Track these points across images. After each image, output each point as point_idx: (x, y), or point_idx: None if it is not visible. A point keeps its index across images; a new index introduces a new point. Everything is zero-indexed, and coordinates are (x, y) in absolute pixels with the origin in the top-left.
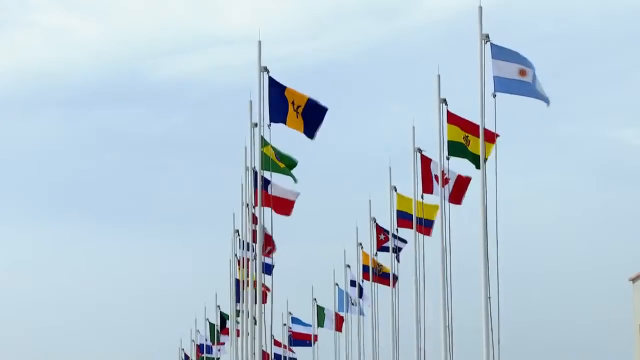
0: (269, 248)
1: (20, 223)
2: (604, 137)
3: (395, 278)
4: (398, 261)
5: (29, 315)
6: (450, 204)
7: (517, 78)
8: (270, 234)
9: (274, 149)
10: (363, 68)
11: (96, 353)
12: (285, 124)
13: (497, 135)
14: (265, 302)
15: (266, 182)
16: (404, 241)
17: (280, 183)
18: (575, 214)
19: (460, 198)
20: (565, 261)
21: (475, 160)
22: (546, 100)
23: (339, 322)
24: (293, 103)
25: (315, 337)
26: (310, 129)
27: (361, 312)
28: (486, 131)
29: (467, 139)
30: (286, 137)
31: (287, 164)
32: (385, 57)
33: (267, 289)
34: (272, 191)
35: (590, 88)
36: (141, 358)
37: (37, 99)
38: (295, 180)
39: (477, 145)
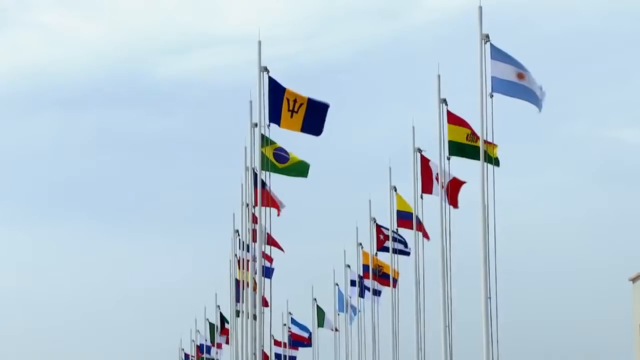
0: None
1: (20, 223)
2: (604, 137)
3: (395, 281)
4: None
5: (29, 315)
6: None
7: (514, 80)
8: (270, 232)
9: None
10: (363, 68)
11: (96, 353)
12: (279, 125)
13: (496, 146)
14: (267, 306)
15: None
16: (407, 253)
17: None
18: (575, 214)
19: (455, 201)
20: (565, 261)
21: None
22: (539, 105)
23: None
24: (295, 101)
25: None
26: (314, 126)
27: (358, 311)
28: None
29: (472, 137)
30: (286, 137)
31: (298, 169)
32: (385, 57)
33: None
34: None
35: (590, 88)
36: (141, 358)
37: (37, 99)
38: (305, 175)
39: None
